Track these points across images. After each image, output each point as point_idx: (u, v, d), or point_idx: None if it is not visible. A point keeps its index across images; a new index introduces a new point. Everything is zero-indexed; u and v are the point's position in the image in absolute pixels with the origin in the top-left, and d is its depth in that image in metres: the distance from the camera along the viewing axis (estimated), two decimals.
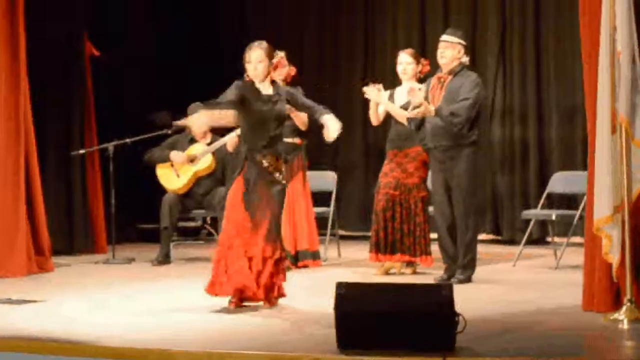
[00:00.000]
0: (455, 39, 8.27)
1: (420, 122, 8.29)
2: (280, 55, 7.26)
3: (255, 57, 7.08)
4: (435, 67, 8.50)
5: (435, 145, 8.20)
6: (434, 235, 8.50)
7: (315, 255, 9.29)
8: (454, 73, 8.23)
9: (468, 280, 8.16)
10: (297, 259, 9.12)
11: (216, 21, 12.33)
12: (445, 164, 8.17)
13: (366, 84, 8.83)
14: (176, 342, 5.89)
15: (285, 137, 9.03)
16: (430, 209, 8.57)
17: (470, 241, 8.16)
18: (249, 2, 12.54)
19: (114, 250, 10.02)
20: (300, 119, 9.16)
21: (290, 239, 9.11)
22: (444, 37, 8.34)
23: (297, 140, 9.22)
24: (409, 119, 8.37)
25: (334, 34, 12.16)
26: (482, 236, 10.91)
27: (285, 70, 9.11)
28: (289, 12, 12.33)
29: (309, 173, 9.49)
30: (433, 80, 8.35)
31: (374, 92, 8.72)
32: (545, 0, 11.08)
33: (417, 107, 8.12)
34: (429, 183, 8.65)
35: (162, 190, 9.91)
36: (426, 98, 8.25)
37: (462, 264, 8.16)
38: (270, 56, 7.14)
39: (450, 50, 8.25)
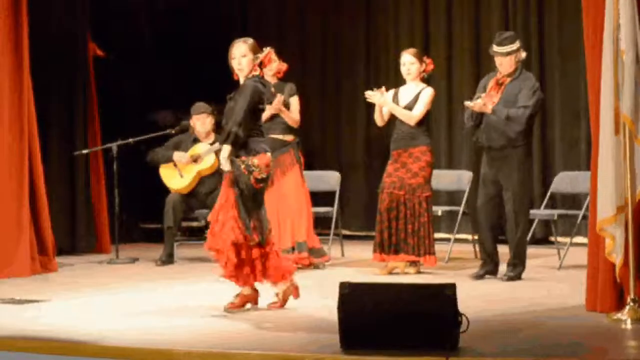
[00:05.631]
0: (508, 48, 8.16)
1: (478, 121, 8.25)
2: (268, 50, 7.16)
3: (239, 52, 7.03)
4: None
5: (490, 145, 8.21)
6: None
7: (315, 252, 9.17)
8: (513, 76, 8.21)
9: (518, 277, 8.20)
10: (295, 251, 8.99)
11: (218, 21, 12.31)
12: (498, 163, 8.20)
13: (370, 89, 8.84)
14: (178, 341, 5.89)
15: (276, 133, 9.06)
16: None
17: (520, 239, 8.22)
18: (251, 2, 12.52)
19: (118, 250, 10.01)
20: (289, 116, 9.13)
21: (276, 234, 8.96)
22: (497, 48, 8.19)
23: (287, 137, 9.17)
24: (468, 118, 8.33)
25: (336, 34, 12.13)
26: None
27: (275, 65, 9.07)
28: (290, 11, 12.32)
29: (312, 173, 9.47)
30: (491, 82, 8.30)
31: (377, 96, 8.73)
32: None
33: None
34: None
35: (166, 190, 9.91)
36: (483, 87, 8.30)
37: (513, 262, 8.23)
38: (254, 51, 7.05)
39: (507, 60, 8.16)
